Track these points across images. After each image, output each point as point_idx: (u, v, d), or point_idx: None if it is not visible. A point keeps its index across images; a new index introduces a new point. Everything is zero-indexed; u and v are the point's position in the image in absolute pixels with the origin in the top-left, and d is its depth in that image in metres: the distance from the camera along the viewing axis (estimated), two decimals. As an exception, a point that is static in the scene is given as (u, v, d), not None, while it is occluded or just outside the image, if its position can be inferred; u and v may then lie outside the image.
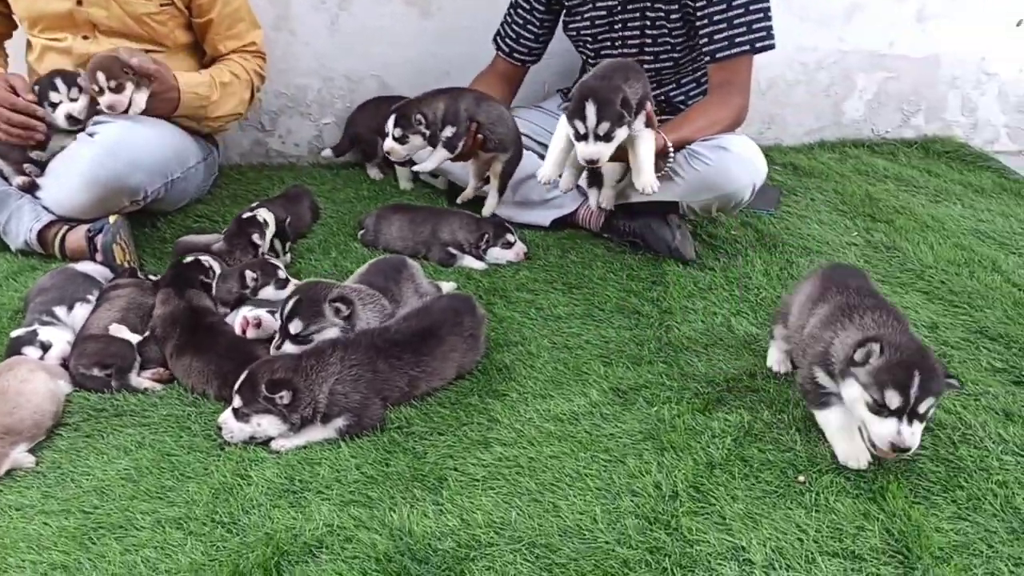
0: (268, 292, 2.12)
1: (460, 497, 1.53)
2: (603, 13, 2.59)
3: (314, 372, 1.69)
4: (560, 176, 2.30)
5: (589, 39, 2.66)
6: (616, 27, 2.59)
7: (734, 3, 2.34)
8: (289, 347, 1.80)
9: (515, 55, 2.78)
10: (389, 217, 2.63)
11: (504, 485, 1.57)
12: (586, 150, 2.06)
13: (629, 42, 2.59)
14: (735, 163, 2.26)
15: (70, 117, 2.45)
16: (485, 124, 2.45)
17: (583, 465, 1.61)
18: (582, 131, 2.05)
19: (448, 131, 2.40)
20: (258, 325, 1.92)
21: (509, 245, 2.47)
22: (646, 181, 2.14)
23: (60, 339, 1.97)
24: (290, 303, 1.82)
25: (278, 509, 1.52)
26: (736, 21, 2.35)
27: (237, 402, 1.67)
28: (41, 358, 1.91)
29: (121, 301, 2.07)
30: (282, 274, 2.16)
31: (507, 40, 2.76)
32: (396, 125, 2.38)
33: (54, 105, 2.44)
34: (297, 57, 3.24)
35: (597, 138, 2.04)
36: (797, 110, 3.46)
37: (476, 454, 1.65)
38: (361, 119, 3.15)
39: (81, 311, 2.09)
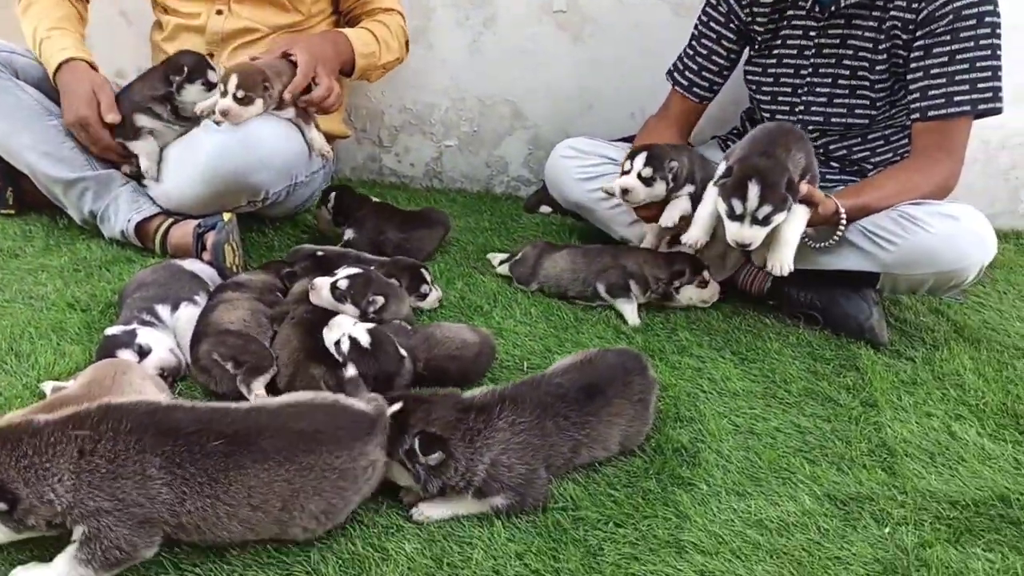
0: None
1: (659, 620, 1.17)
2: (793, 53, 2.29)
3: (479, 437, 1.35)
4: (708, 240, 2.09)
5: (771, 80, 2.34)
6: (804, 72, 2.28)
7: (958, 56, 2.01)
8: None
9: (695, 90, 2.44)
10: (556, 250, 2.30)
11: (713, 610, 1.20)
12: (740, 233, 1.89)
13: (817, 90, 2.27)
14: (966, 236, 1.91)
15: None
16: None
17: (811, 596, 1.24)
18: (739, 211, 1.87)
19: (689, 188, 2.16)
20: None
21: (705, 284, 2.16)
22: (780, 259, 1.93)
23: (161, 345, 1.68)
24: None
25: (424, 601, 1.18)
26: (959, 77, 2.02)
27: None
28: (137, 364, 1.62)
29: (246, 303, 1.80)
30: None
31: (687, 74, 2.44)
32: (648, 164, 2.10)
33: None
34: (430, 73, 3.00)
35: (755, 221, 1.86)
36: (970, 191, 3.08)
37: (669, 560, 1.29)
38: None
39: (186, 313, 1.80)
